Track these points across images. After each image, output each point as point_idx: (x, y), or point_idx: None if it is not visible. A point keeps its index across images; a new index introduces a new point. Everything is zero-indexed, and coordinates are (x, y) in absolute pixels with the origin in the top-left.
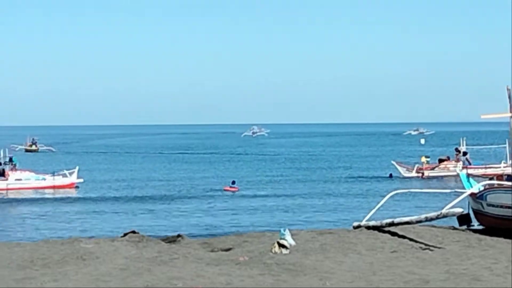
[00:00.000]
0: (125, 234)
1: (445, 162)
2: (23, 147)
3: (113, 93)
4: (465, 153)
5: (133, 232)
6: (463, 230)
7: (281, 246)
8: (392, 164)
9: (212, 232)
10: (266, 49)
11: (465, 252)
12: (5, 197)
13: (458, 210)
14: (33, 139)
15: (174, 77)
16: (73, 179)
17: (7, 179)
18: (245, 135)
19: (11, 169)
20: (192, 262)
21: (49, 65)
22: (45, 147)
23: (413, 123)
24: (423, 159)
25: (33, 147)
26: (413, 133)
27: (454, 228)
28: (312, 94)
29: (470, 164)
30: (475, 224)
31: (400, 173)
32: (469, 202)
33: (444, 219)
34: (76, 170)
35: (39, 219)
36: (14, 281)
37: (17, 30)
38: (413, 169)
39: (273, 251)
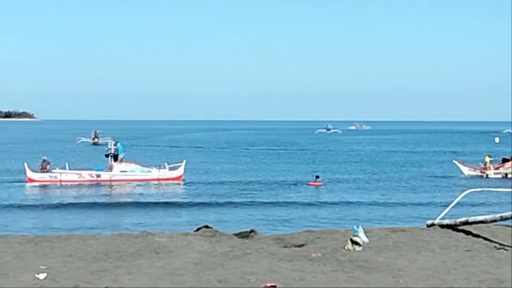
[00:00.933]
0: (198, 229)
1: (510, 162)
2: (88, 139)
3: (181, 90)
4: None
5: (206, 226)
6: None
7: (354, 243)
8: (454, 164)
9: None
10: (341, 46)
11: None
12: (109, 189)
13: None
14: (95, 132)
15: (248, 75)
16: (181, 172)
17: (111, 170)
18: (319, 132)
19: (117, 161)
20: (265, 257)
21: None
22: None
23: (498, 122)
24: (487, 159)
25: (96, 140)
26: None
27: None
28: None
29: None
30: None
31: (462, 172)
32: None
33: None
34: (183, 163)
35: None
36: (89, 273)
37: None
38: (477, 169)
39: (346, 248)
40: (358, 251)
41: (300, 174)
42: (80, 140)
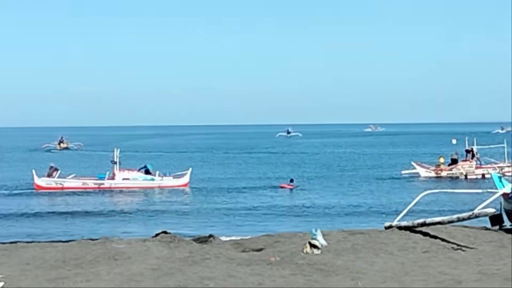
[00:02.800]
0: (156, 234)
1: (461, 162)
2: (54, 145)
3: (131, 93)
4: (468, 151)
5: (165, 232)
6: (495, 231)
7: (313, 246)
8: (411, 165)
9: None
10: (300, 50)
11: (498, 252)
12: (111, 196)
13: (490, 210)
14: (61, 138)
15: (203, 76)
16: (186, 179)
17: (114, 178)
18: (279, 135)
19: (125, 170)
20: (223, 262)
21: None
22: (73, 144)
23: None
24: (441, 160)
25: (63, 145)
26: (501, 131)
27: (486, 229)
28: (344, 95)
29: (480, 163)
30: (508, 224)
31: (419, 173)
32: (501, 202)
33: (476, 219)
34: (189, 171)
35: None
36: (47, 281)
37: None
38: (433, 170)
39: (304, 251)
40: (316, 254)
41: (268, 177)
42: (47, 147)
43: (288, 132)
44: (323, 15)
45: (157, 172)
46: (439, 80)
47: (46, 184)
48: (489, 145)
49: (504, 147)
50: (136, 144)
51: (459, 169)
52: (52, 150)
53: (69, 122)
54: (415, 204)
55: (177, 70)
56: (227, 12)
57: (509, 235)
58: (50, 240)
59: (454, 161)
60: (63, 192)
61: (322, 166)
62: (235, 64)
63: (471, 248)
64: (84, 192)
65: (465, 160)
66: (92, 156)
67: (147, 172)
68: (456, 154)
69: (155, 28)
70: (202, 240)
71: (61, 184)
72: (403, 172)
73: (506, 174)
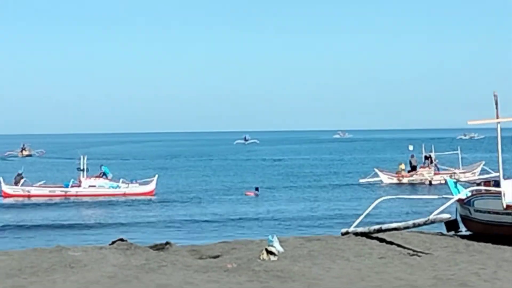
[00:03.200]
0: (113, 242)
1: (421, 169)
2: (16, 153)
3: (91, 101)
4: (426, 157)
5: (121, 239)
6: (450, 236)
7: (269, 253)
8: (374, 171)
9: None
10: (255, 56)
11: (453, 257)
12: (77, 203)
13: (446, 216)
14: (23, 145)
15: (159, 83)
16: (152, 186)
17: (80, 185)
18: (237, 143)
19: (92, 177)
20: (180, 269)
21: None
22: (35, 152)
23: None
24: (402, 166)
25: (26, 152)
26: (464, 137)
27: (442, 234)
28: (298, 102)
29: (438, 169)
30: (463, 230)
31: (381, 180)
32: (456, 208)
33: (432, 225)
34: (155, 178)
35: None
36: None
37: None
38: (395, 176)
39: (261, 258)
40: (273, 260)
41: (231, 185)
42: (9, 154)
43: (246, 139)
44: (283, 17)
45: (120, 180)
46: (409, 86)
47: (14, 191)
48: (444, 151)
49: (458, 153)
50: (95, 151)
51: (420, 175)
52: (14, 158)
53: (25, 130)
54: (372, 210)
55: (130, 76)
56: (178, 17)
57: (464, 241)
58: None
59: (413, 168)
60: (29, 201)
61: (281, 173)
62: (192, 70)
63: (427, 253)
64: (50, 200)
65: (424, 167)
66: (55, 163)
67: (104, 175)
68: (415, 160)
69: (119, 35)
70: (159, 247)
71: (28, 191)
72: (361, 180)
73: (460, 180)
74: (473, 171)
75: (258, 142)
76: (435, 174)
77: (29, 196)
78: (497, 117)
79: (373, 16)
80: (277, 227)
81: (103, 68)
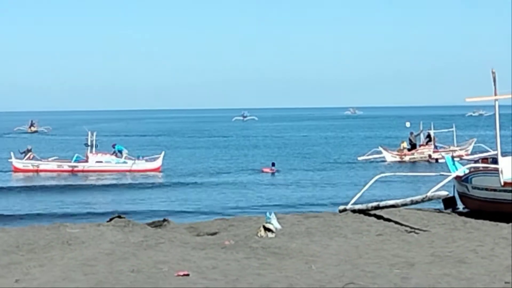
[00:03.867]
0: (111, 219)
1: (422, 147)
2: (25, 128)
3: (96, 79)
4: (428, 135)
5: (119, 216)
6: (448, 213)
7: (267, 229)
8: (379, 149)
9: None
10: (252, 36)
11: (451, 234)
12: (85, 180)
13: (444, 193)
14: (31, 121)
15: (161, 63)
16: (159, 163)
17: (87, 161)
18: (235, 119)
19: (99, 153)
20: (178, 246)
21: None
22: (42, 128)
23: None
24: (404, 144)
25: (33, 128)
26: (473, 114)
27: (440, 211)
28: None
29: (436, 147)
30: (460, 207)
31: (385, 158)
32: (454, 185)
33: (430, 202)
34: (162, 154)
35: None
36: None
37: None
38: (398, 154)
39: (259, 235)
40: (271, 237)
41: (238, 161)
42: (18, 130)
43: (244, 116)
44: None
45: (124, 155)
46: (421, 63)
47: (23, 166)
48: (441, 129)
49: (453, 131)
50: (96, 128)
51: (420, 153)
52: (23, 134)
53: (26, 107)
54: (370, 187)
55: (133, 55)
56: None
57: (461, 218)
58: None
59: (413, 146)
60: (38, 175)
61: (283, 150)
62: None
63: (424, 230)
64: (58, 174)
65: (423, 144)
66: (61, 140)
67: (119, 152)
68: (414, 138)
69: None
70: (157, 224)
71: (37, 166)
72: (359, 158)
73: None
74: (466, 149)
75: (256, 119)
76: (434, 152)
77: (37, 171)
78: (495, 94)
79: None
80: (275, 206)
81: (103, 48)
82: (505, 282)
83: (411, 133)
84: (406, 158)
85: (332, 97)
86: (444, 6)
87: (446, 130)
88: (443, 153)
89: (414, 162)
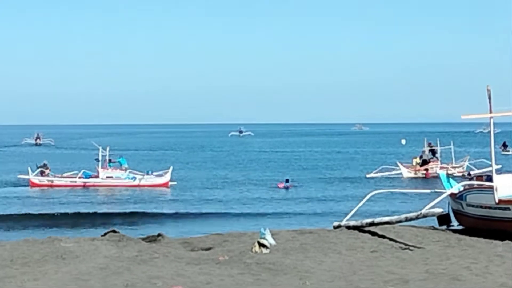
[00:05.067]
0: (105, 234)
1: (431, 163)
2: (32, 140)
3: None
4: (432, 151)
5: (113, 231)
6: (442, 230)
7: (262, 245)
8: (396, 164)
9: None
10: (248, 49)
11: (445, 252)
12: (95, 194)
13: (438, 210)
14: (37, 134)
15: (155, 75)
16: (167, 178)
17: (97, 176)
18: (232, 135)
19: (110, 168)
20: (172, 261)
21: None
22: (47, 140)
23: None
24: (417, 160)
25: (39, 141)
26: (484, 131)
27: (434, 228)
28: (292, 96)
29: (441, 163)
30: (455, 224)
31: (402, 174)
32: (449, 202)
33: (424, 219)
34: (170, 170)
35: None
36: None
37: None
38: (414, 170)
39: (253, 250)
40: (265, 253)
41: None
42: (26, 142)
43: (240, 132)
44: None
45: (127, 171)
46: (435, 76)
47: (39, 181)
48: (442, 146)
49: (451, 148)
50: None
51: (430, 169)
52: (29, 146)
53: (26, 120)
54: (364, 204)
55: (125, 67)
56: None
57: (456, 235)
58: None
59: (425, 162)
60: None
61: (284, 167)
62: (184, 62)
63: (419, 247)
64: (71, 189)
65: (433, 160)
66: (65, 153)
67: (120, 165)
68: (426, 154)
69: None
70: (151, 239)
71: (51, 181)
72: (368, 175)
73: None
74: (461, 166)
75: (252, 134)
76: (440, 168)
77: (51, 186)
78: (490, 112)
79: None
80: (272, 222)
81: (95, 62)
82: None
83: (424, 151)
84: (419, 174)
85: (339, 113)
86: (452, 24)
87: (445, 147)
88: (437, 170)
89: (425, 178)
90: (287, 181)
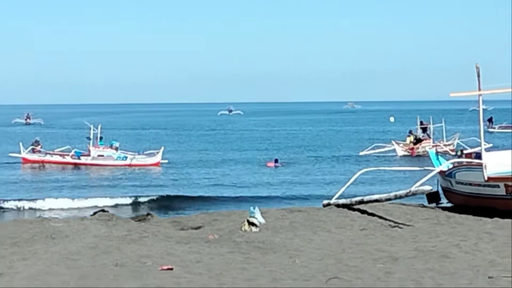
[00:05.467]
0: (94, 213)
1: (424, 141)
2: (22, 120)
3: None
4: (423, 129)
5: (103, 210)
6: (432, 208)
7: (251, 224)
8: (391, 143)
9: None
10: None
11: (434, 229)
12: (86, 173)
13: (427, 188)
14: (27, 114)
15: (151, 57)
16: (159, 158)
17: (89, 155)
18: (221, 113)
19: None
20: (161, 240)
21: None
22: (36, 120)
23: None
24: (411, 139)
25: (29, 121)
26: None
27: (423, 206)
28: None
29: (433, 141)
30: (444, 202)
31: (396, 152)
32: (438, 180)
33: (413, 197)
34: (161, 149)
35: None
36: None
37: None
38: (408, 149)
39: (242, 229)
40: (254, 232)
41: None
42: (16, 122)
43: (230, 110)
44: None
45: (118, 151)
46: (429, 55)
47: (31, 157)
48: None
49: (442, 126)
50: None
51: (422, 148)
52: (20, 126)
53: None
54: (353, 182)
55: (117, 48)
56: None
57: (445, 212)
58: None
59: (418, 140)
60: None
61: (274, 145)
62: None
63: (408, 225)
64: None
65: (426, 138)
66: (55, 133)
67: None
68: (417, 131)
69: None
70: (140, 218)
71: (43, 157)
72: (361, 153)
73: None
74: (451, 144)
75: (242, 113)
76: (432, 146)
77: (43, 162)
78: (479, 89)
79: None
80: (261, 201)
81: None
82: (488, 277)
83: (417, 129)
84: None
85: (331, 92)
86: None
87: (437, 125)
88: (427, 148)
89: (419, 156)
90: (276, 161)
